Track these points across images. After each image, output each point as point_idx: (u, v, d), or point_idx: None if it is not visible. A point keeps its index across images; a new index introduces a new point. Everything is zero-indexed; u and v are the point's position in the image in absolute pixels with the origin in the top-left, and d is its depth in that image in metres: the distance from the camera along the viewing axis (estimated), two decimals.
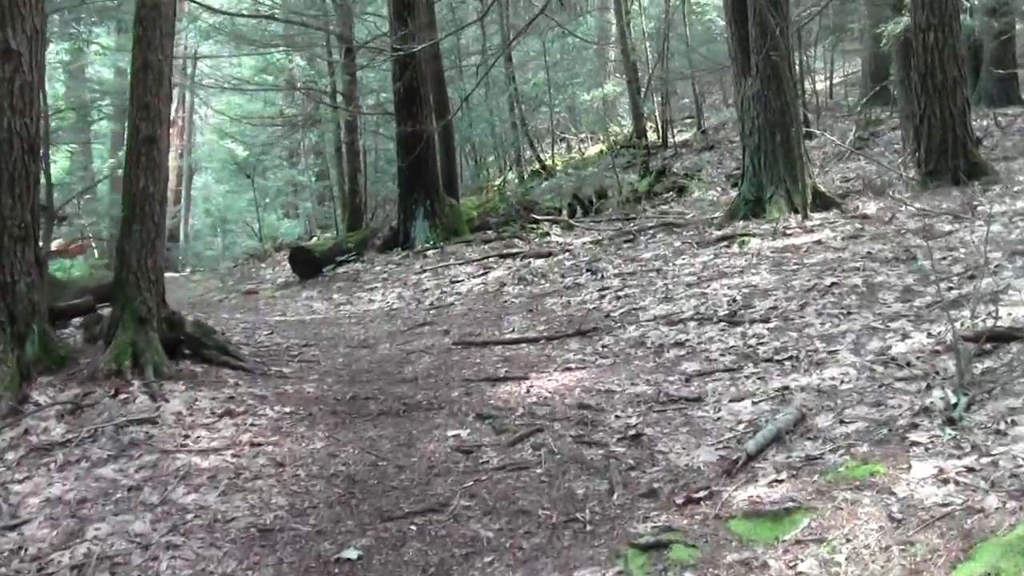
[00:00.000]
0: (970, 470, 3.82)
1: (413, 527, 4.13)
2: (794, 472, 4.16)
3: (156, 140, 6.76)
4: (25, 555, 4.00)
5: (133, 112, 6.82)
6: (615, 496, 4.25)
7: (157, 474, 4.85)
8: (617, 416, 5.36)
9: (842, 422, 4.70)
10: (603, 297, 8.90)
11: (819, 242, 9.56)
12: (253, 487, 4.69)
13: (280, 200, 28.34)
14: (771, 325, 6.78)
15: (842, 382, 5.36)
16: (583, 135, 26.45)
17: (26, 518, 4.37)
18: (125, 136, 7.18)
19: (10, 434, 5.39)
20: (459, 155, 22.36)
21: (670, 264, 9.94)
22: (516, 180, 22.82)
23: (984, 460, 3.87)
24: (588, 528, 3.97)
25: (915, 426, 4.44)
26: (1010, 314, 5.75)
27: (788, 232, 10.45)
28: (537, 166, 23.42)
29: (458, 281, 11.65)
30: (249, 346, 8.09)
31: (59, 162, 21.81)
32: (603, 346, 7.11)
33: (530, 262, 11.93)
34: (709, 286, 8.42)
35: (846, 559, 3.33)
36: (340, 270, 14.72)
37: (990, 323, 5.38)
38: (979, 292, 6.04)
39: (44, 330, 6.33)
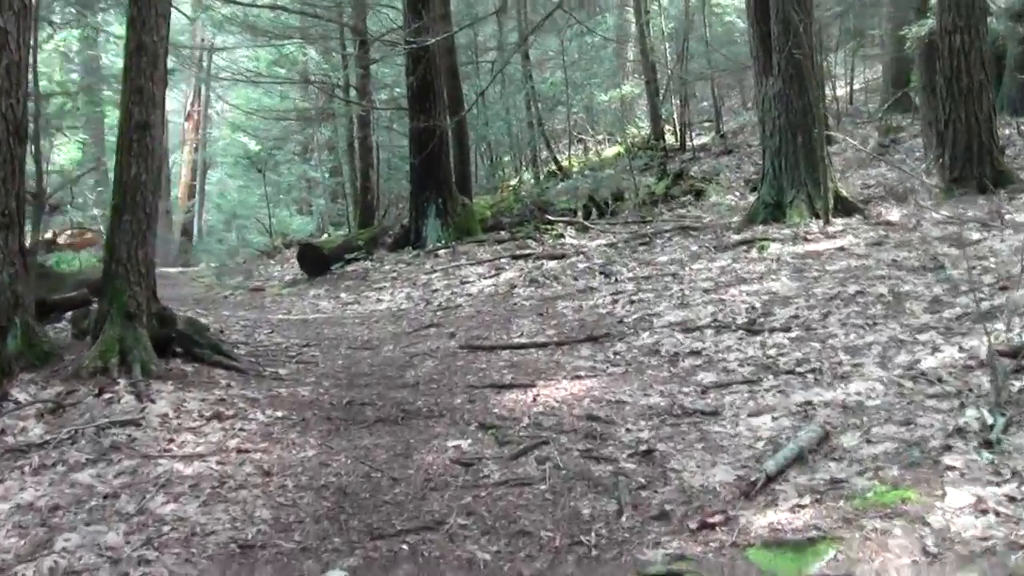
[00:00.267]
0: (1011, 499, 3.53)
1: (405, 546, 3.82)
2: (818, 496, 3.84)
3: (149, 126, 6.48)
4: None
5: (126, 96, 6.53)
6: (624, 518, 3.94)
7: (136, 481, 4.57)
8: (628, 429, 5.04)
9: (869, 442, 4.38)
10: (616, 301, 8.57)
11: (842, 248, 9.22)
12: (237, 497, 4.39)
13: (293, 196, 28.10)
14: (792, 335, 6.45)
15: (868, 398, 5.02)
16: (600, 136, 26.18)
17: None
18: (117, 121, 6.87)
19: None
20: (474, 153, 22.13)
21: (686, 268, 9.61)
22: (532, 180, 22.55)
23: None
24: (594, 553, 3.65)
25: (948, 448, 4.12)
26: None
27: (809, 237, 10.12)
28: (553, 166, 23.19)
29: (468, 282, 11.36)
30: (247, 345, 7.82)
31: (69, 152, 21.59)
32: (615, 353, 6.79)
33: (543, 264, 11.64)
34: (727, 292, 8.08)
35: None
36: (349, 268, 14.48)
37: None
38: (1014, 304, 5.71)
39: (28, 323, 6.06)
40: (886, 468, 4.02)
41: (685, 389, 5.68)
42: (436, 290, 11.18)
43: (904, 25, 16.85)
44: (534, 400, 5.75)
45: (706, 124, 25.19)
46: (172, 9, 22.45)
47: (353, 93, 20.54)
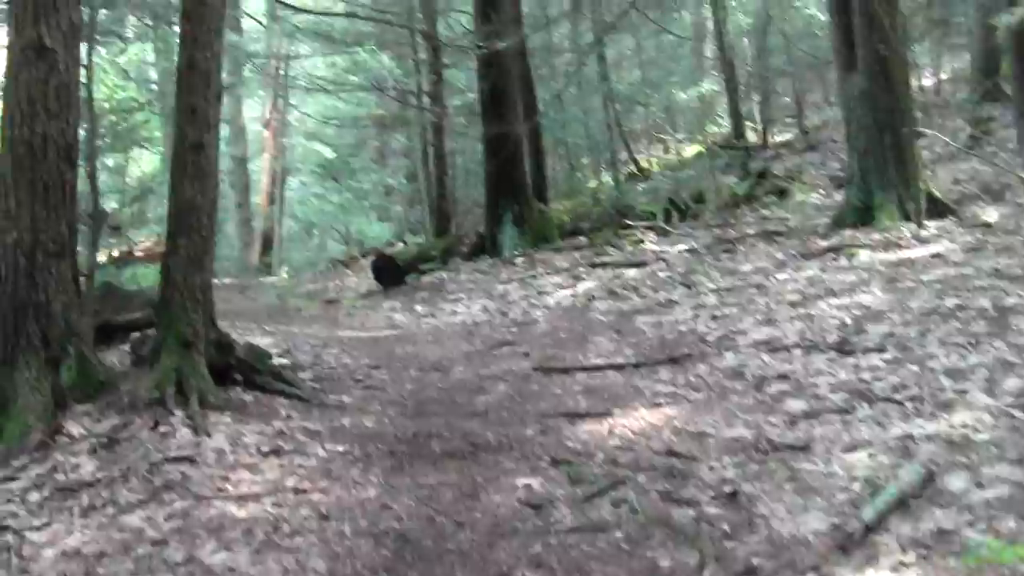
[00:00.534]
0: None
1: None
2: (923, 552, 3.46)
3: (204, 146, 6.27)
4: None
5: (179, 116, 6.34)
6: (706, 573, 3.60)
7: (187, 525, 4.35)
8: (711, 467, 4.67)
9: (979, 484, 3.94)
10: (698, 316, 8.16)
11: (937, 255, 8.70)
12: (291, 545, 4.14)
13: (371, 203, 28.04)
14: (887, 356, 5.97)
15: (976, 431, 4.55)
16: (680, 136, 25.70)
17: (37, 574, 3.92)
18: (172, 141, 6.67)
19: (37, 470, 4.98)
20: (552, 157, 21.80)
21: (771, 279, 9.16)
22: (611, 183, 22.21)
23: None
24: None
25: None
26: None
27: (901, 243, 9.60)
28: (633, 168, 22.77)
29: (545, 292, 11.06)
30: (313, 368, 7.58)
31: (145, 167, 21.78)
32: (696, 376, 6.38)
33: (622, 273, 11.30)
34: (815, 306, 7.62)
35: None
36: (424, 279, 14.28)
37: None
38: None
39: (83, 353, 5.87)
40: (1001, 518, 3.61)
41: (772, 419, 5.27)
42: (512, 302, 10.89)
43: (993, 12, 16.14)
44: (610, 432, 5.40)
45: (788, 120, 24.61)
46: (246, 18, 22.47)
47: (426, 99, 20.38)
